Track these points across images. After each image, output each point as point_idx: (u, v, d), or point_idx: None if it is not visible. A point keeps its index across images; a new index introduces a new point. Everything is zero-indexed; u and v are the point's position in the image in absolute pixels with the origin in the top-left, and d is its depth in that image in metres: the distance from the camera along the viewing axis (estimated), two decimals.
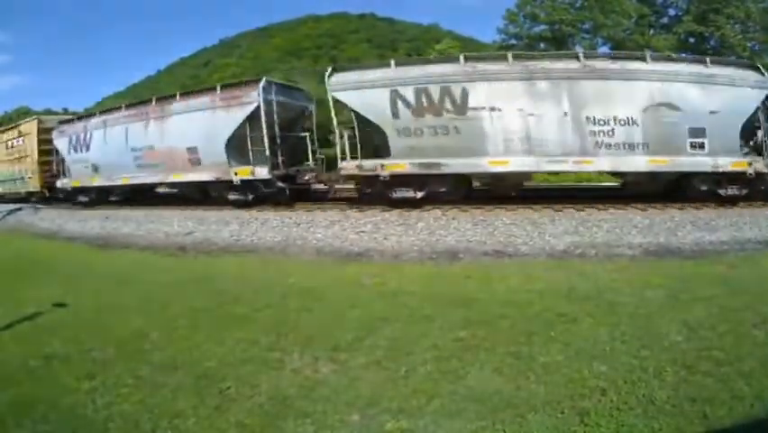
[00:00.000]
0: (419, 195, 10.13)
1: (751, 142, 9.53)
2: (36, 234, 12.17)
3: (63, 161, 15.44)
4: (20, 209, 16.06)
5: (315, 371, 3.45)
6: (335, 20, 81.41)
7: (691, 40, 22.14)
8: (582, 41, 24.09)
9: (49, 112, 41.38)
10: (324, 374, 3.39)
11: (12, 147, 17.69)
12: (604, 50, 22.51)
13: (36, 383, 3.44)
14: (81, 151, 14.51)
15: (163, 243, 9.72)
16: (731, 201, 9.17)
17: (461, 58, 9.78)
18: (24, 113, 41.95)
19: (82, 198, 15.24)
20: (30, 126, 17.02)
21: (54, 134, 15.58)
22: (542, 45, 24.48)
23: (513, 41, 25.70)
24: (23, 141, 17.04)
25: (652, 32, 23.51)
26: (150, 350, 3.96)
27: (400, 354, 3.61)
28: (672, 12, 24.21)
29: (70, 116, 17.65)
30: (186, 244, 9.38)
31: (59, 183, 15.60)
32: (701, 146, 9.02)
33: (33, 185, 16.69)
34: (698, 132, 9.00)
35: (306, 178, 12.28)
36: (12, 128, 18.61)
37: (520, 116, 9.29)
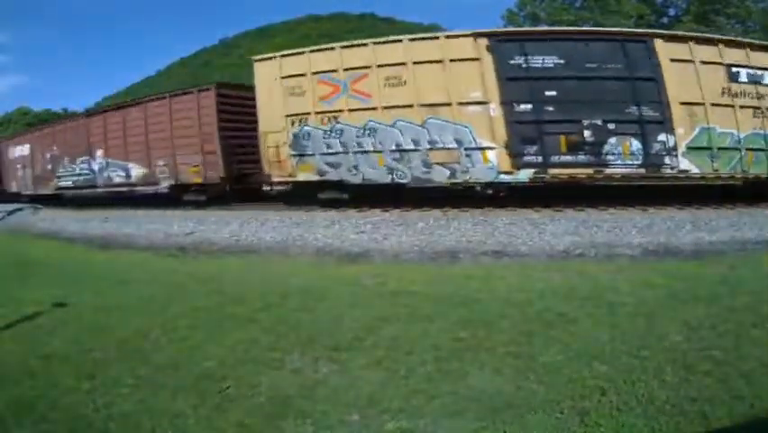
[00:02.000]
0: None
1: None
2: (37, 235, 12.16)
3: None
4: (20, 209, 16.06)
5: (315, 371, 3.45)
6: (335, 20, 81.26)
7: None
8: None
9: (48, 112, 41.34)
10: (324, 374, 3.39)
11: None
12: None
13: (36, 383, 3.43)
14: None
15: (163, 243, 9.73)
16: None
17: None
18: (24, 113, 41.83)
19: None
20: None
21: None
22: None
23: None
24: None
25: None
26: (150, 350, 3.95)
27: (400, 354, 3.60)
28: (672, 12, 24.23)
29: None
30: (186, 244, 9.38)
31: None
32: None
33: None
34: None
35: None
36: None
37: None
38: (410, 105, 9.22)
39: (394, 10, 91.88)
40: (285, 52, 10.37)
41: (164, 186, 12.74)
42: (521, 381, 3.10)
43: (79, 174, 14.48)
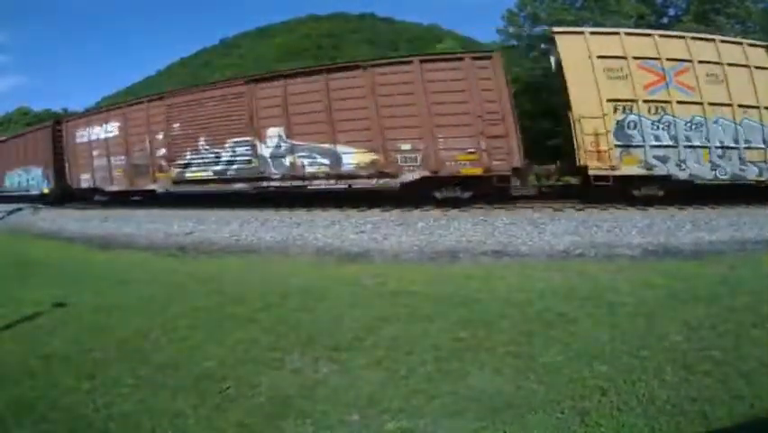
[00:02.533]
0: None
1: None
2: (37, 235, 12.16)
3: None
4: (20, 209, 16.06)
5: (315, 371, 3.45)
6: (335, 20, 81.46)
7: None
8: None
9: (48, 112, 41.39)
10: (325, 374, 3.39)
11: None
12: None
13: (36, 383, 3.43)
14: None
15: (163, 243, 9.73)
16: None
17: None
18: (24, 113, 41.87)
19: None
20: None
21: None
22: (542, 46, 24.46)
23: (513, 42, 25.69)
24: None
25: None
26: (150, 350, 3.95)
27: (400, 354, 3.61)
28: (672, 12, 24.23)
29: None
30: (186, 244, 9.39)
31: None
32: None
33: None
34: None
35: None
36: None
37: None
38: (729, 104, 9.43)
39: (394, 10, 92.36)
40: (593, 29, 10.14)
41: (410, 177, 9.90)
42: (521, 381, 3.10)
43: (230, 162, 11.39)
